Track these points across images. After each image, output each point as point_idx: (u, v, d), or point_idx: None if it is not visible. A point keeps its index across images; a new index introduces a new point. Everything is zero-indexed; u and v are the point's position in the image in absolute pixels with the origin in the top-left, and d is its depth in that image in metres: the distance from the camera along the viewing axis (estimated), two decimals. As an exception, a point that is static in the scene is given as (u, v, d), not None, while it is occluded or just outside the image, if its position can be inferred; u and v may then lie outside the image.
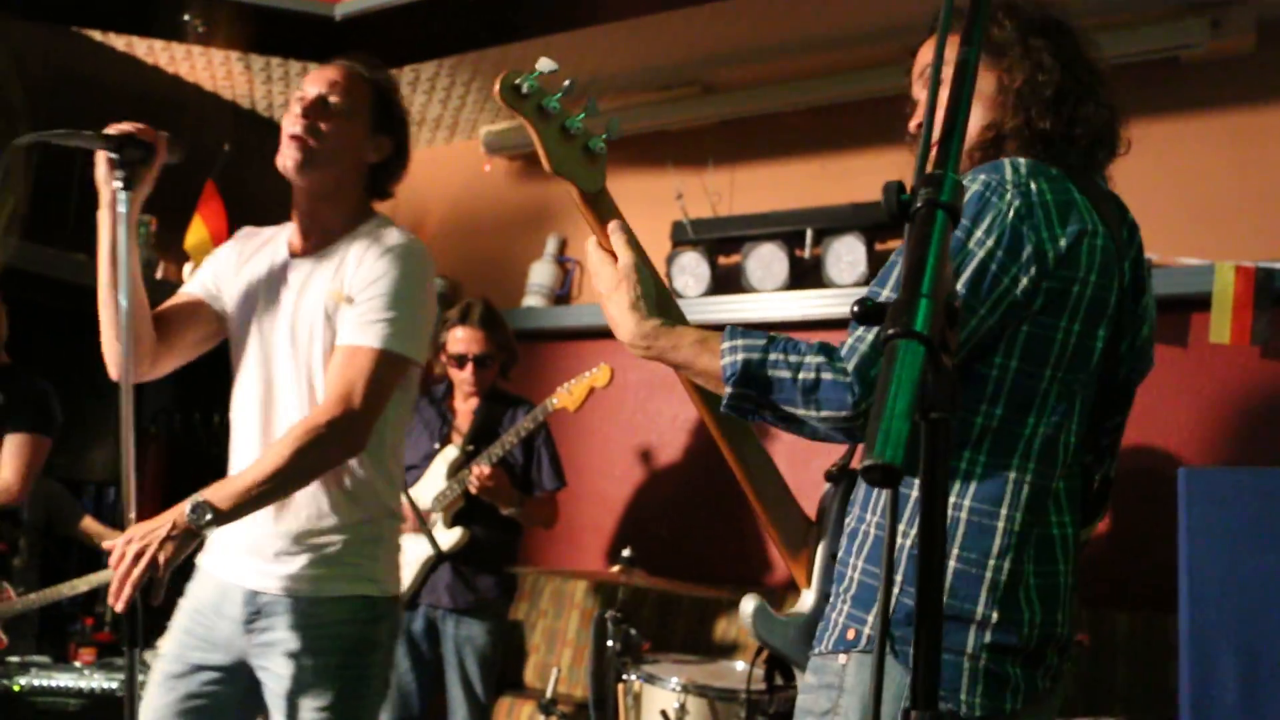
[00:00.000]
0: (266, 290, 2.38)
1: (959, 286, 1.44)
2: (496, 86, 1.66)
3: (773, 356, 1.48)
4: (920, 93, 1.82)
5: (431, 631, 3.72)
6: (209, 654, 2.28)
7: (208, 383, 4.85)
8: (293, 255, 2.40)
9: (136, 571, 2.02)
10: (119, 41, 4.59)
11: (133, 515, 2.12)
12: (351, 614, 2.24)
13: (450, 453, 3.74)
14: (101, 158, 2.17)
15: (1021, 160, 1.56)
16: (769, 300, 4.22)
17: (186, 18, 4.01)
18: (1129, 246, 1.67)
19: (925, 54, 1.81)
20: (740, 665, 3.31)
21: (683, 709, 2.97)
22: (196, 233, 4.77)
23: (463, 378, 3.82)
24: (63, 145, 2.16)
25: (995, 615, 1.45)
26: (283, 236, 2.46)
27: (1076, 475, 1.60)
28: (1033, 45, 1.66)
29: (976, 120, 1.67)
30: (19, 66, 4.26)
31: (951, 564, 1.47)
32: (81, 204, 4.49)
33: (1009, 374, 1.51)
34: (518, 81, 1.67)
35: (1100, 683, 3.47)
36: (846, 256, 4.09)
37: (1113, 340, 1.59)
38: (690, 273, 4.36)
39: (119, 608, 2.04)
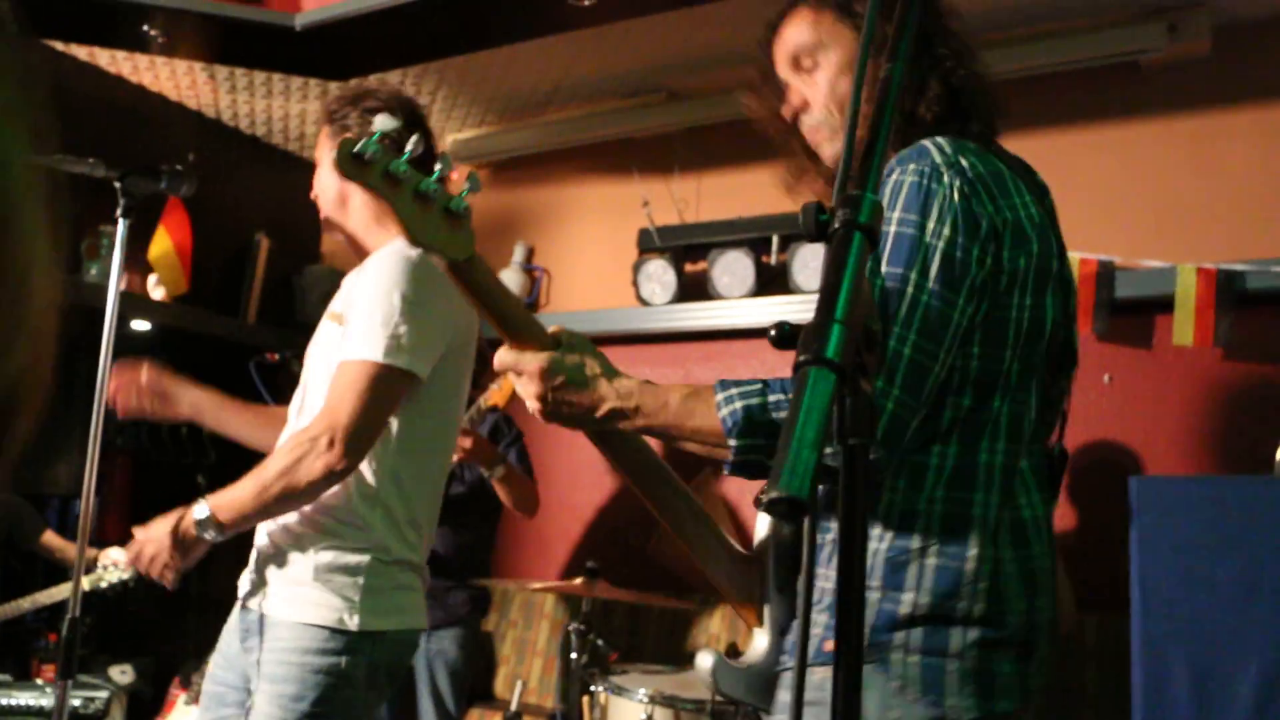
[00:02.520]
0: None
1: (930, 281, 1.40)
2: (333, 156, 1.45)
3: (773, 399, 1.41)
4: (789, 76, 1.73)
5: None
6: (228, 672, 2.32)
7: (173, 395, 4.82)
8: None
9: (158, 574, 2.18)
10: (80, 51, 4.54)
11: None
12: (315, 643, 2.16)
13: None
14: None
15: (942, 139, 1.51)
16: (736, 307, 4.21)
17: (147, 29, 3.97)
18: (1045, 206, 1.62)
19: (792, 34, 1.71)
20: (708, 674, 3.29)
21: None
22: (160, 244, 4.73)
23: None
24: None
25: (979, 609, 1.41)
26: None
27: (1038, 453, 1.56)
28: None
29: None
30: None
31: (931, 561, 1.43)
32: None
33: (972, 360, 1.46)
34: (356, 150, 1.45)
35: (1070, 687, 3.48)
36: (813, 262, 4.08)
37: (1056, 306, 1.56)
38: (657, 280, 4.35)
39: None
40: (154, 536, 2.20)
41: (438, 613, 3.64)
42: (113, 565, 3.97)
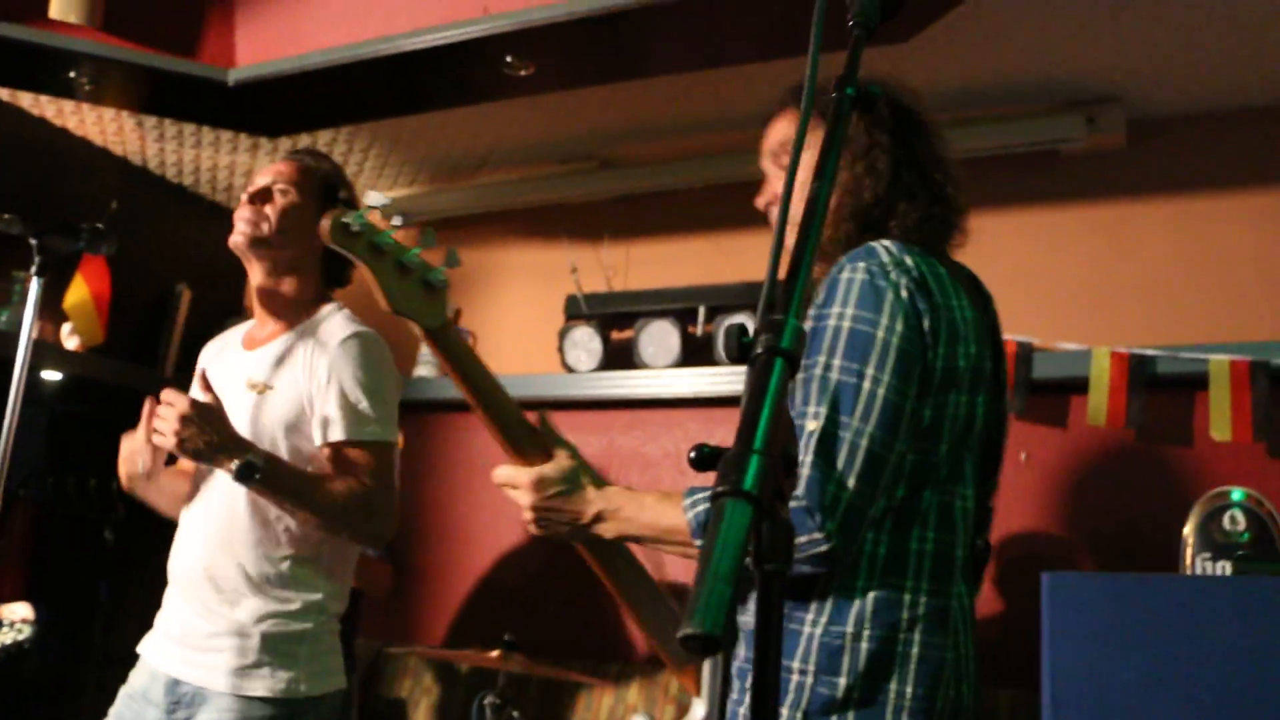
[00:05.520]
0: (226, 395, 2.40)
1: (886, 374, 1.46)
2: (325, 225, 1.60)
3: None
4: (769, 167, 1.87)
5: None
6: None
7: (84, 446, 4.70)
8: (247, 350, 2.48)
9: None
10: (2, 91, 4.47)
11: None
12: (265, 713, 2.21)
13: None
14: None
15: (889, 242, 1.60)
16: (660, 377, 4.23)
17: (74, 75, 3.91)
18: (988, 316, 1.73)
19: (777, 131, 1.84)
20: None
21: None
22: (76, 292, 4.63)
23: None
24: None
25: (909, 692, 1.45)
26: (236, 336, 2.58)
27: (968, 545, 1.61)
28: (877, 141, 1.72)
29: (832, 199, 1.73)
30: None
31: (864, 645, 1.46)
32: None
33: (909, 454, 1.52)
34: (345, 220, 1.61)
35: (981, 762, 3.50)
36: (739, 335, 4.12)
37: (989, 407, 1.64)
38: (583, 347, 4.36)
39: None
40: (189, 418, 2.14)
41: None
42: (9, 625, 3.83)
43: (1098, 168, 3.93)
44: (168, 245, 5.15)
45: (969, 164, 3.95)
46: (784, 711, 1.49)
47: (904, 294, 1.52)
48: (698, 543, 1.49)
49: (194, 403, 2.14)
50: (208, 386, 2.20)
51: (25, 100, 4.50)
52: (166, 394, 2.17)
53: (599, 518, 1.62)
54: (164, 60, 3.81)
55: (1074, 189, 3.97)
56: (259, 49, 3.85)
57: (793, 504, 1.41)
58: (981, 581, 1.74)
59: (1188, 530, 3.35)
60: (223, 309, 5.37)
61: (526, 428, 1.69)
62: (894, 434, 1.46)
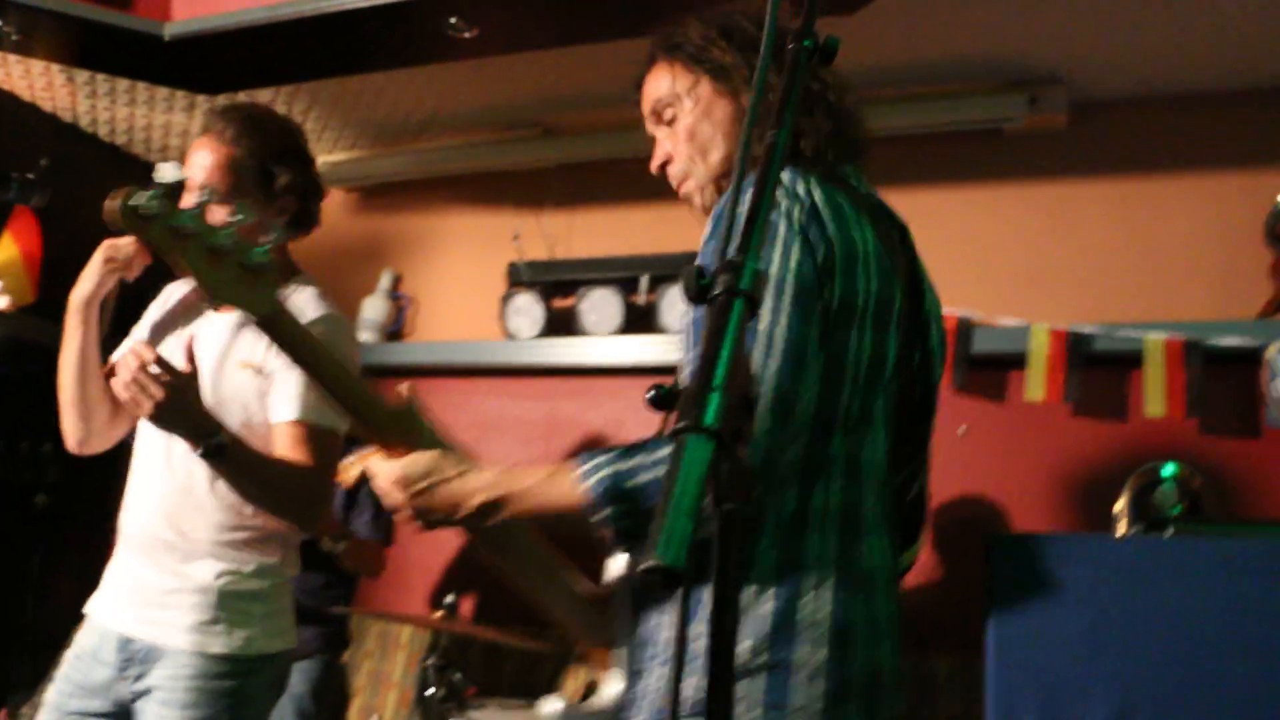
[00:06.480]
0: (179, 347, 2.33)
1: (783, 317, 1.38)
2: (111, 208, 1.31)
3: (631, 464, 1.38)
4: (653, 129, 1.78)
5: None
6: (88, 701, 2.25)
7: (14, 408, 4.59)
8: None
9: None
10: (-78, 41, 4.32)
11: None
12: (221, 670, 2.22)
13: None
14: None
15: (783, 172, 1.50)
16: (602, 344, 4.22)
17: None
18: (904, 248, 1.64)
19: (653, 89, 1.76)
20: (563, 713, 3.27)
21: (505, 758, 2.92)
22: (5, 251, 4.51)
23: None
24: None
25: (819, 657, 1.38)
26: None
27: (887, 497, 1.54)
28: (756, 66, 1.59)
29: (720, 150, 1.67)
30: None
31: (766, 608, 1.39)
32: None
33: (812, 401, 1.43)
34: (133, 203, 1.34)
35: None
36: (681, 304, 4.11)
37: (904, 349, 1.55)
38: (525, 314, 4.33)
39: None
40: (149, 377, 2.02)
41: None
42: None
43: (1039, 147, 3.96)
44: (101, 205, 5.02)
45: (912, 140, 4.03)
46: (692, 680, 1.39)
47: (796, 224, 1.43)
48: (607, 511, 1.38)
49: (179, 375, 2.07)
50: (191, 357, 2.13)
51: (-52, 50, 4.36)
52: (156, 359, 2.06)
53: (482, 508, 1.51)
54: (96, 11, 3.69)
55: (1015, 168, 4.00)
56: (196, 2, 3.76)
57: None
58: (916, 536, 1.65)
59: (1121, 504, 3.41)
60: (158, 271, 5.25)
61: (386, 413, 1.55)
62: (801, 369, 1.37)
